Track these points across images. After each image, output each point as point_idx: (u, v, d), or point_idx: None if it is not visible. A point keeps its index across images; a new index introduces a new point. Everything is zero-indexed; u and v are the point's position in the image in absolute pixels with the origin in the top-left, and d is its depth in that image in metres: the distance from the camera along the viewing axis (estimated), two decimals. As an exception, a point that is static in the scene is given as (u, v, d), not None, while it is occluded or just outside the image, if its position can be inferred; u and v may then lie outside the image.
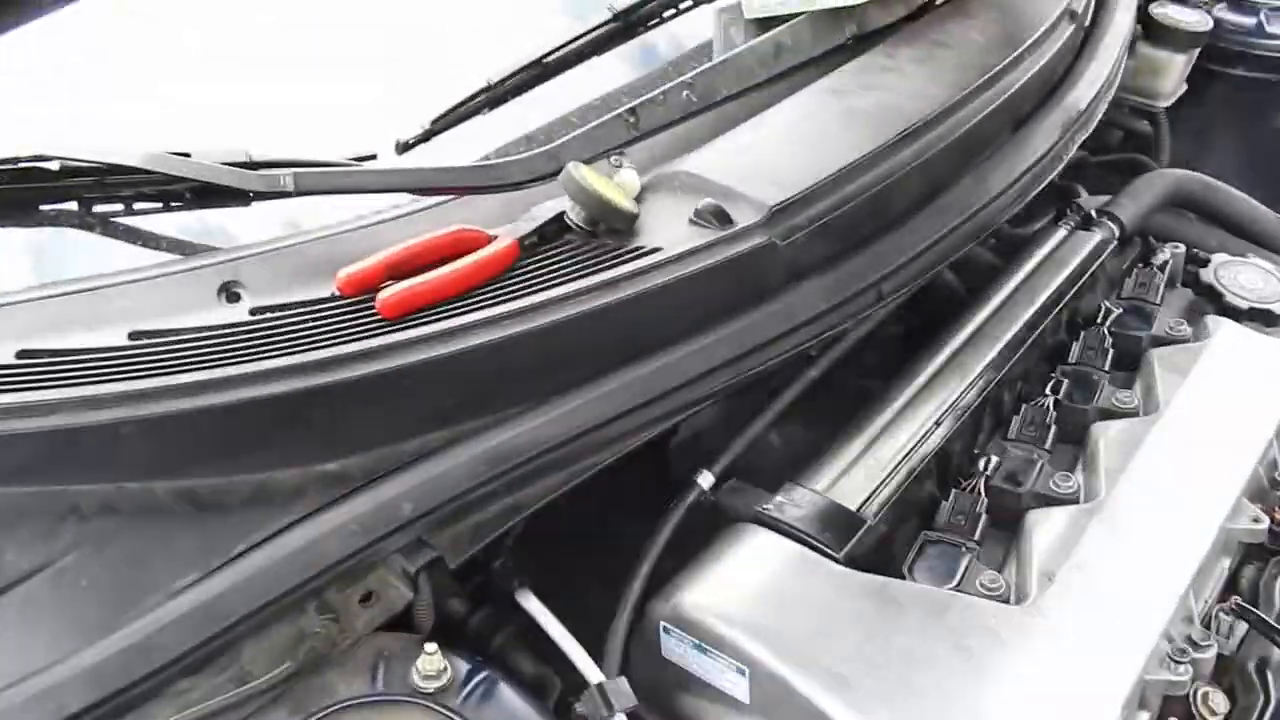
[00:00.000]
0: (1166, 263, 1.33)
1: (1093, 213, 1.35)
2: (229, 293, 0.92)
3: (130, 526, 0.79)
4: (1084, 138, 1.36)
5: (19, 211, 0.97)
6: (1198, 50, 1.67)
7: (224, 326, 0.87)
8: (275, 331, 0.86)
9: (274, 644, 0.78)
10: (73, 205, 0.98)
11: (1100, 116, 1.40)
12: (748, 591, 0.90)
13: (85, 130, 1.03)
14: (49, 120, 1.09)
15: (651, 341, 0.96)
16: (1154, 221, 1.43)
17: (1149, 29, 1.65)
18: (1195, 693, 0.90)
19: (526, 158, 1.03)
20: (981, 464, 1.07)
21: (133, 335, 0.86)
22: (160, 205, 1.00)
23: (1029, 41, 1.29)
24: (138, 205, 1.00)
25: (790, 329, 1.01)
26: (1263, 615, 0.97)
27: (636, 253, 0.96)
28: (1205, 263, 1.36)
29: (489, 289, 0.92)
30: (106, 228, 0.99)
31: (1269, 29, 1.79)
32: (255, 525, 0.80)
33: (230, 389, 0.81)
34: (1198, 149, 1.80)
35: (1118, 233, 1.34)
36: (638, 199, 1.05)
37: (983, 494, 1.03)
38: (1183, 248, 1.36)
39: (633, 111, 1.10)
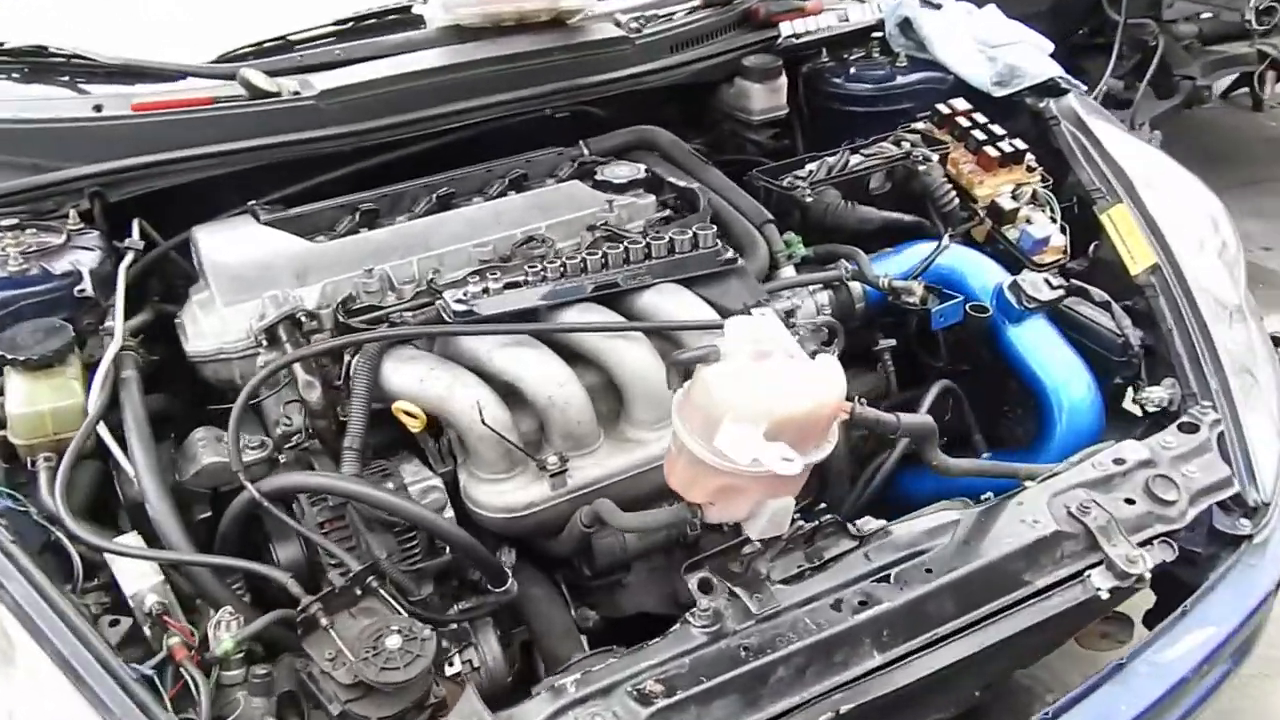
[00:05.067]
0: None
1: (581, 145, 2.31)
2: (95, 106, 2.17)
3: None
4: (590, 98, 2.34)
5: (32, 75, 2.31)
6: (778, 81, 2.54)
7: (88, 116, 2.11)
8: (105, 116, 2.09)
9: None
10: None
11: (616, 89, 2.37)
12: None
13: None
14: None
15: (242, 134, 2.09)
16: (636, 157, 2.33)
17: (740, 71, 2.57)
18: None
19: (233, 66, 2.23)
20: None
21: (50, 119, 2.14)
22: (85, 77, 2.30)
23: (564, 43, 2.32)
24: (78, 75, 2.31)
25: (323, 138, 2.12)
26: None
27: (257, 100, 2.12)
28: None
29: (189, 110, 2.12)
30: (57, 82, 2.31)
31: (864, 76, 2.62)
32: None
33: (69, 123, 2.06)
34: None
35: (586, 152, 2.28)
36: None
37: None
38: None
39: (302, 55, 2.28)
